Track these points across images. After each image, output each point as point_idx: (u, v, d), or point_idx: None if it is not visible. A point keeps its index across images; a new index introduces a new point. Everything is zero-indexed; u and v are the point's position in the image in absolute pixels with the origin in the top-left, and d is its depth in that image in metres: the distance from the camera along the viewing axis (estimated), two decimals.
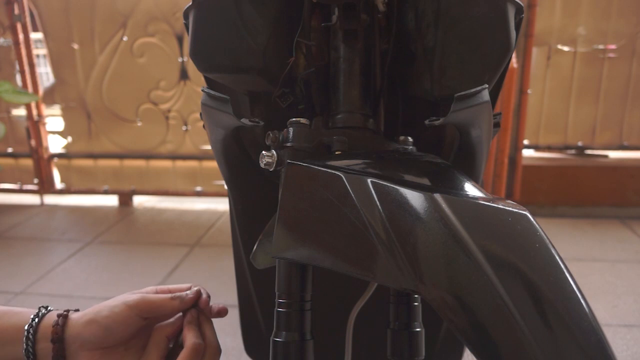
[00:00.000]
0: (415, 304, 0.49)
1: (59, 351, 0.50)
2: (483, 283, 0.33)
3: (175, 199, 2.48)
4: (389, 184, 0.39)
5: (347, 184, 0.40)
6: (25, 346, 0.50)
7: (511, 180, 2.12)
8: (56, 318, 0.51)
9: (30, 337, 0.50)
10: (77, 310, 0.53)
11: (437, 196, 0.37)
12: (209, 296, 0.55)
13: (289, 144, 0.48)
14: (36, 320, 0.51)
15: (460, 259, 0.34)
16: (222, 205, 2.40)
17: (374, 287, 0.55)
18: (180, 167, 2.28)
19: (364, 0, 0.52)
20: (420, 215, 0.36)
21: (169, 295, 0.53)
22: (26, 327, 0.50)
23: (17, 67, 2.26)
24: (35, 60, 2.30)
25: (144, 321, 0.52)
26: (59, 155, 2.37)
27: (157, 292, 0.55)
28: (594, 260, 1.72)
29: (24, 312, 0.52)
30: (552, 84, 2.11)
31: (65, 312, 0.52)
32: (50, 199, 2.51)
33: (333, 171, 0.41)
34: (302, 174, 0.43)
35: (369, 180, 0.39)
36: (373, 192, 0.39)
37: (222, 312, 0.56)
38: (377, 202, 0.38)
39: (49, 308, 0.53)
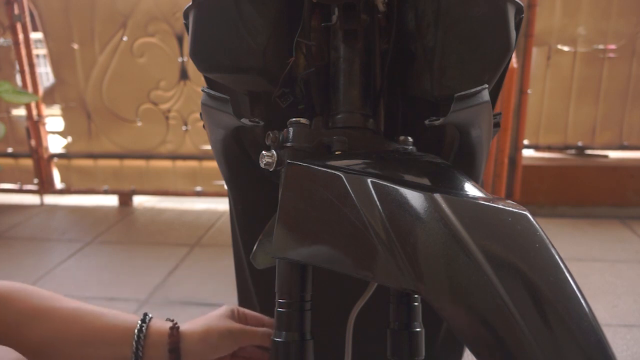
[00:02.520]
0: (415, 304, 0.49)
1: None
2: (483, 283, 0.33)
3: (175, 199, 2.48)
4: (389, 184, 0.39)
5: (347, 184, 0.40)
6: (135, 350, 0.55)
7: (511, 180, 2.12)
8: (169, 330, 0.58)
9: (141, 342, 0.55)
10: (172, 320, 0.60)
11: (437, 196, 0.37)
12: None
13: (289, 144, 0.48)
14: (144, 326, 0.57)
15: (460, 259, 0.34)
16: (222, 205, 2.40)
17: (374, 287, 0.55)
18: (180, 167, 2.28)
19: (364, 0, 0.52)
20: (420, 215, 0.36)
21: (261, 329, 0.63)
22: (136, 332, 0.56)
23: (17, 67, 2.26)
24: (35, 60, 2.30)
25: (237, 346, 0.61)
26: (59, 155, 2.37)
27: (237, 314, 0.64)
28: (594, 260, 1.72)
29: (127, 316, 0.58)
30: (552, 84, 2.11)
31: (175, 325, 0.59)
32: (50, 199, 2.51)
33: (333, 171, 0.41)
34: (302, 174, 0.43)
35: (368, 180, 0.39)
36: (373, 192, 0.39)
37: None
38: (377, 202, 0.38)
39: (149, 315, 0.59)
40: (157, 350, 0.56)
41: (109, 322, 0.56)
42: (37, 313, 0.54)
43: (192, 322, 0.60)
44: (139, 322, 0.57)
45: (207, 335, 0.59)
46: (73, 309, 0.56)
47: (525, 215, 0.36)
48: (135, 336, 0.55)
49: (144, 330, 0.56)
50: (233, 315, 0.63)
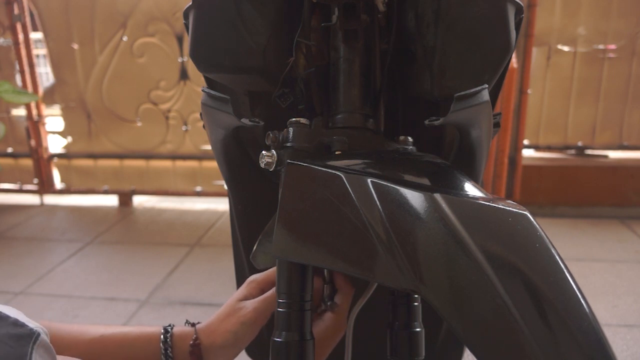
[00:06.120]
0: (415, 304, 0.49)
1: None
2: (483, 283, 0.33)
3: (175, 199, 2.48)
4: (389, 184, 0.39)
5: (347, 184, 0.40)
6: (164, 351, 0.56)
7: (511, 180, 2.12)
8: (191, 344, 0.57)
9: (169, 342, 0.56)
10: (192, 324, 0.59)
11: (437, 196, 0.37)
12: None
13: (289, 144, 0.48)
14: (169, 328, 0.57)
15: (460, 259, 0.34)
16: (222, 205, 2.40)
17: (374, 287, 0.55)
18: (180, 167, 2.28)
19: (364, 0, 0.52)
20: (420, 215, 0.36)
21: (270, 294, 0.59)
22: (162, 335, 0.57)
23: (17, 67, 2.26)
24: (35, 60, 2.30)
25: (258, 329, 0.59)
26: (59, 155, 2.37)
27: (252, 290, 0.60)
28: (594, 260, 1.72)
29: (150, 327, 0.58)
30: (552, 84, 2.11)
31: (196, 342, 0.57)
32: (50, 199, 2.51)
33: (333, 171, 0.41)
34: (302, 173, 0.43)
35: (369, 180, 0.39)
36: (373, 192, 0.39)
37: None
38: (377, 202, 0.38)
39: (171, 325, 0.59)
40: (182, 352, 0.57)
41: (134, 334, 0.57)
42: (64, 348, 0.55)
43: (210, 325, 0.59)
44: (163, 328, 0.58)
45: (236, 341, 0.57)
46: (100, 335, 0.57)
47: (525, 215, 0.36)
48: (162, 337, 0.56)
49: (170, 330, 0.57)
50: (250, 293, 0.60)
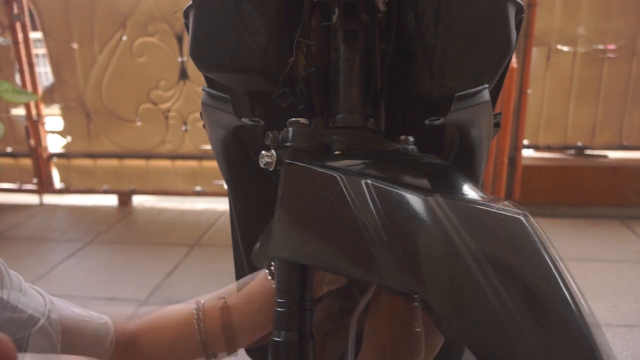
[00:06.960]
0: (415, 304, 0.49)
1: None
2: (482, 284, 0.33)
3: (175, 198, 2.48)
4: (386, 186, 0.39)
5: (344, 185, 0.40)
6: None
7: (511, 180, 2.12)
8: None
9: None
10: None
11: (437, 198, 0.37)
12: None
13: (288, 144, 0.48)
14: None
15: (460, 260, 0.34)
16: (222, 205, 2.40)
17: (374, 287, 0.55)
18: (180, 167, 2.28)
19: (364, 0, 0.52)
20: (419, 216, 0.36)
21: None
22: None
23: (17, 66, 2.26)
24: (35, 60, 2.30)
25: None
26: (59, 155, 2.37)
27: None
28: (594, 260, 1.72)
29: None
30: (552, 84, 2.11)
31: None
32: (49, 199, 2.51)
33: (331, 172, 0.41)
34: (301, 174, 0.43)
35: (366, 182, 0.39)
36: (371, 193, 0.39)
37: None
38: (376, 203, 0.38)
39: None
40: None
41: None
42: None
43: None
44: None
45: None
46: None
47: (525, 216, 0.36)
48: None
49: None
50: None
